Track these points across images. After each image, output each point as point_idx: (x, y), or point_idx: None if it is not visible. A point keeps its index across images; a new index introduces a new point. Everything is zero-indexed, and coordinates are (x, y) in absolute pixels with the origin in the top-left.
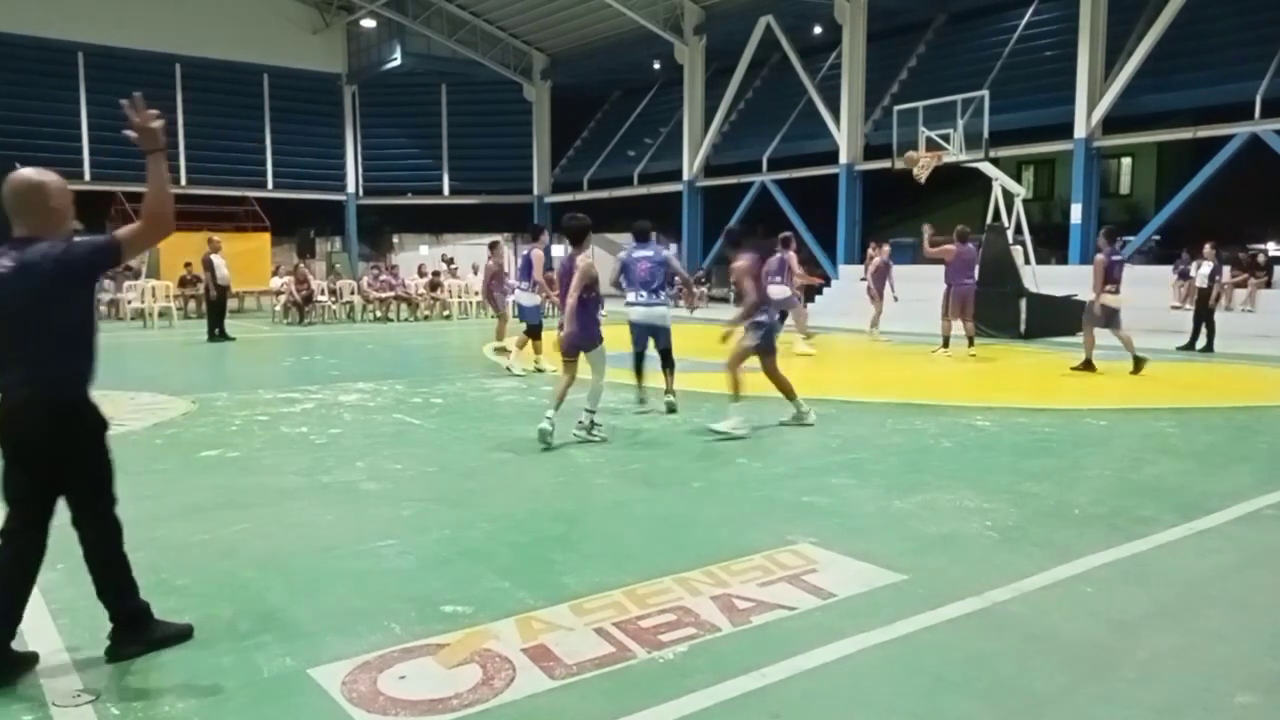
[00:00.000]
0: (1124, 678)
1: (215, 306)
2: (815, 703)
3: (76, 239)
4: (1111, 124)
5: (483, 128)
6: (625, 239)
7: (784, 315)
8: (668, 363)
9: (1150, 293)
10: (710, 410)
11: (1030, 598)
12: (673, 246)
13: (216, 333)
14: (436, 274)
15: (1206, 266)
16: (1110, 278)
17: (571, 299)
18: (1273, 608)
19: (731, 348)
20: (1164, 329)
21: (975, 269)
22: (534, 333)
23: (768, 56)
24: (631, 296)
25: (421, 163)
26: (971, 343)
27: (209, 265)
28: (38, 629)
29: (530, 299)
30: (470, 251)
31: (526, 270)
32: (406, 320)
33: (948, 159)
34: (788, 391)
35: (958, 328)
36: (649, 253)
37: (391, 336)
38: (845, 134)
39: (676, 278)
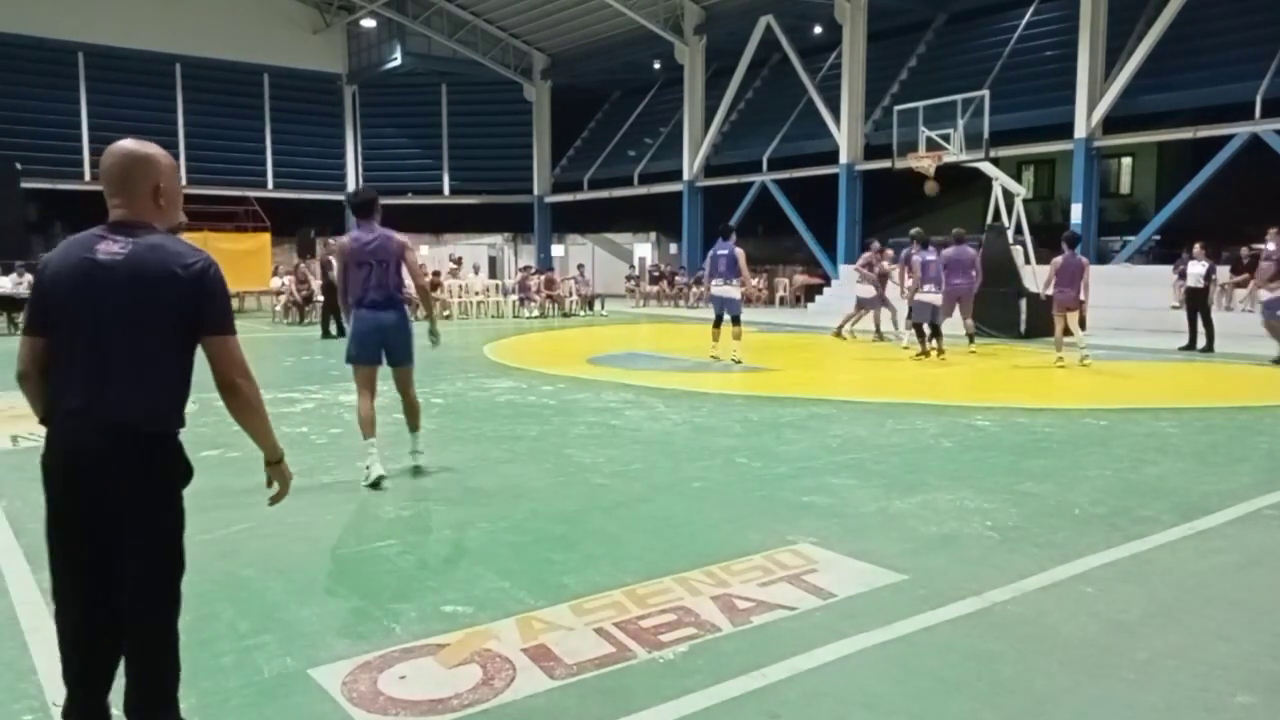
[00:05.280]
0: (1124, 678)
1: (331, 305)
2: (815, 703)
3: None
4: (1111, 124)
5: (483, 128)
6: (626, 239)
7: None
8: (936, 333)
9: (1150, 293)
10: (710, 410)
11: (1030, 598)
12: (672, 247)
13: (334, 330)
14: (437, 274)
15: (1199, 266)
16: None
17: None
18: (1273, 608)
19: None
20: (1164, 329)
21: (973, 269)
22: (736, 320)
23: (768, 56)
24: (926, 286)
25: (421, 163)
26: (972, 340)
27: (325, 265)
28: (38, 628)
29: (731, 292)
30: (470, 251)
31: (732, 265)
32: None
33: (948, 159)
34: None
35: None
36: (932, 257)
37: None
38: (845, 134)
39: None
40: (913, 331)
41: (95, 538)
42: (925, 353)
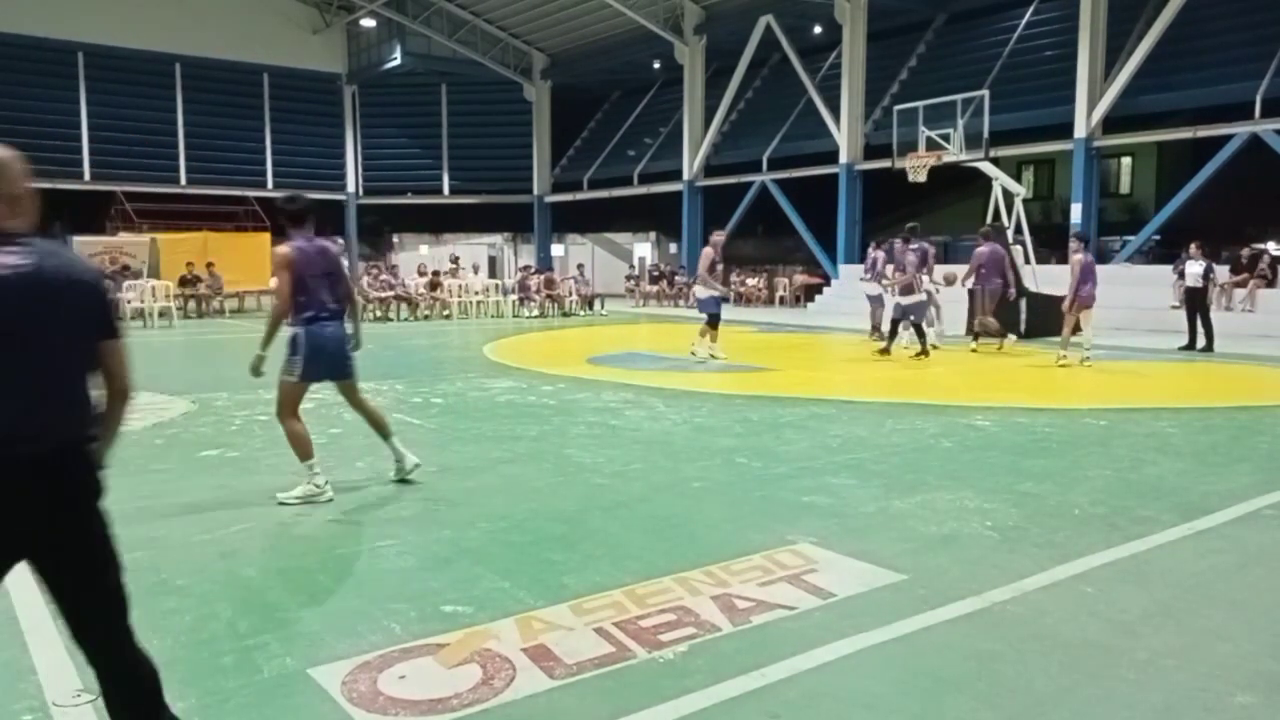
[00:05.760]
0: (1124, 678)
1: None
2: (815, 703)
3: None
4: (1111, 124)
5: (483, 128)
6: (626, 239)
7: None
8: (894, 331)
9: (1150, 293)
10: (710, 410)
11: (1030, 598)
12: (672, 247)
13: None
14: (436, 274)
15: (1196, 266)
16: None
17: None
18: (1273, 608)
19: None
20: (1164, 329)
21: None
22: (714, 322)
23: (768, 56)
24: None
25: (421, 163)
26: (976, 338)
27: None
28: (37, 628)
29: (706, 292)
30: (470, 251)
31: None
32: (406, 320)
33: (948, 159)
34: None
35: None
36: (913, 246)
37: (391, 336)
38: (845, 134)
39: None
40: (912, 331)
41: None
42: (925, 351)
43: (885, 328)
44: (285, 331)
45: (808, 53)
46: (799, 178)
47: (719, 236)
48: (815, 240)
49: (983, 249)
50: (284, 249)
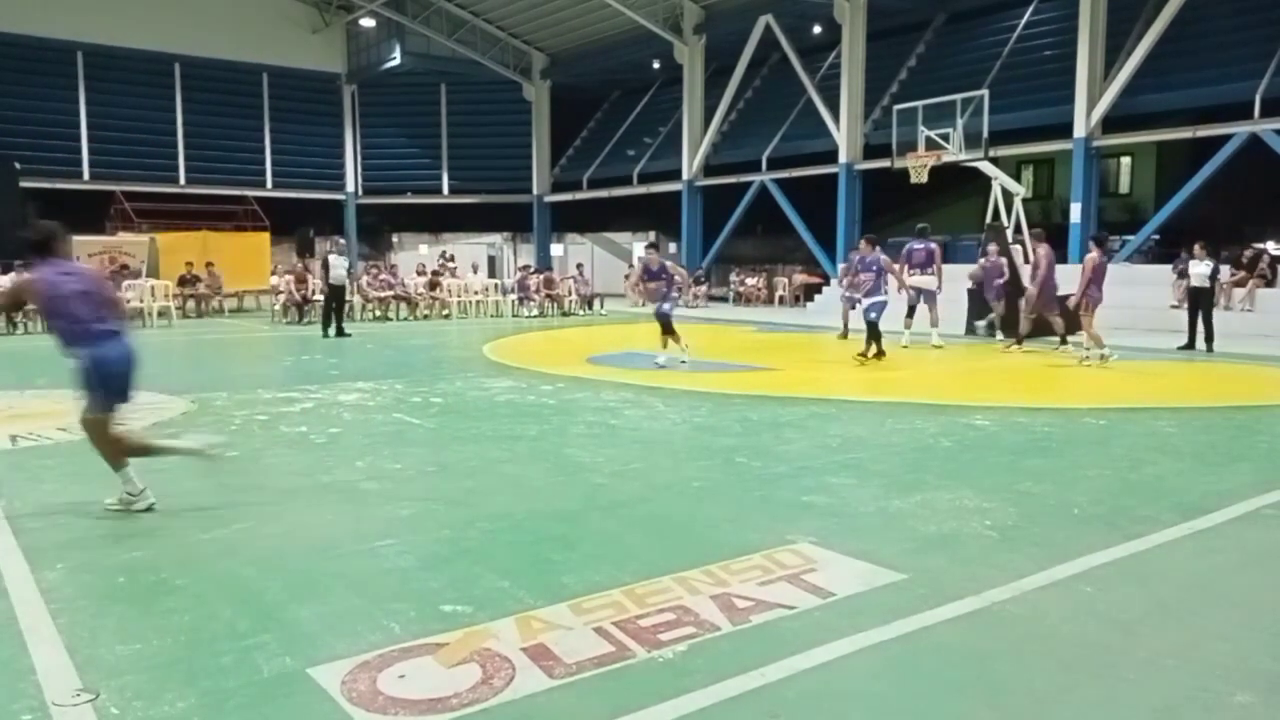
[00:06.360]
0: (1124, 678)
1: (327, 304)
2: (814, 702)
3: None
4: (1111, 124)
5: (482, 127)
6: (625, 238)
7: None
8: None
9: (1150, 292)
10: (709, 410)
11: (1030, 598)
12: (671, 246)
13: (333, 331)
14: (436, 273)
15: (1203, 266)
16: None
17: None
18: (1273, 608)
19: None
20: (1164, 329)
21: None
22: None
23: (767, 56)
24: (915, 272)
25: (421, 162)
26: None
27: (325, 264)
28: (37, 628)
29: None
30: (470, 250)
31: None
32: (406, 320)
33: (947, 158)
34: None
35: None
36: (920, 245)
37: (391, 336)
38: (845, 133)
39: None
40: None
41: None
42: (879, 352)
43: (848, 324)
44: (74, 363)
45: (807, 52)
46: (798, 177)
47: (650, 254)
48: (815, 240)
49: (1043, 248)
50: (28, 277)
